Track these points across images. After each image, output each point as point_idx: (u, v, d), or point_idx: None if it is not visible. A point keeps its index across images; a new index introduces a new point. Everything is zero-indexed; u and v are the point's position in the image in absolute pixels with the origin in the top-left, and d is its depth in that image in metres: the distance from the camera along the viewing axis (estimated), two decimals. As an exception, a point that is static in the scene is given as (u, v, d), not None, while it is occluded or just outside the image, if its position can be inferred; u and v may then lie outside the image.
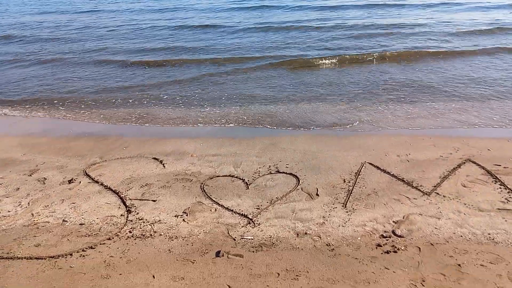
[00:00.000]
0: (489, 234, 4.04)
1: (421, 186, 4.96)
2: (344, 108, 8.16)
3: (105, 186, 5.33)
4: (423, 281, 3.45)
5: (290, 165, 5.66)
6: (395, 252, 3.83)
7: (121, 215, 4.65)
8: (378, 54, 11.75)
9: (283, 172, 5.48)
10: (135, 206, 4.81)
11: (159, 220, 4.51)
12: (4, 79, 11.21)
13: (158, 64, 12.10)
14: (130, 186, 5.29)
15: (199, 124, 7.67)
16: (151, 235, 4.26)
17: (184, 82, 10.27)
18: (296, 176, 5.35)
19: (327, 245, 3.99)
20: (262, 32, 15.89)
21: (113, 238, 4.23)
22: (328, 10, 20.67)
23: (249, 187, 5.15)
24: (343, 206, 4.63)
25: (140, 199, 4.97)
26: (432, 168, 5.39)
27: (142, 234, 4.28)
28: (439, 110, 7.86)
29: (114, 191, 5.18)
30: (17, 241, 4.24)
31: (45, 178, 5.60)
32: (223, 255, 3.89)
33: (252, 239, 4.13)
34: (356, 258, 3.77)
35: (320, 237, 4.10)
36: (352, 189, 4.95)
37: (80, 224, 4.51)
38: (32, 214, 4.74)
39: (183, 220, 4.51)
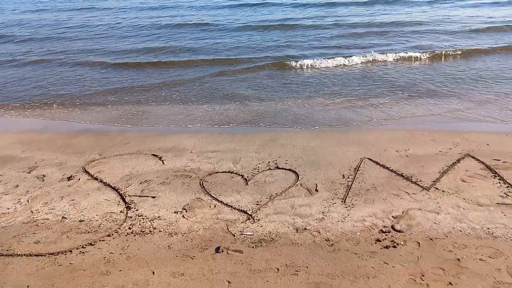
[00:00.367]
0: (488, 228, 4.04)
1: (420, 181, 4.96)
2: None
3: (105, 182, 5.33)
4: (423, 275, 3.46)
5: (289, 161, 5.66)
6: (394, 247, 3.84)
7: (121, 212, 4.65)
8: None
9: (282, 168, 5.48)
10: (134, 203, 4.81)
11: (159, 217, 4.52)
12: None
13: (142, 65, 11.85)
14: (130, 183, 5.29)
15: (198, 121, 7.66)
16: (150, 231, 4.27)
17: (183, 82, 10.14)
18: (295, 172, 5.35)
19: (326, 240, 3.99)
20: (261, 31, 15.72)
21: (112, 234, 4.23)
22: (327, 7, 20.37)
23: (249, 183, 5.15)
24: (342, 201, 4.63)
25: (139, 196, 4.97)
26: (431, 163, 5.39)
27: (141, 231, 4.28)
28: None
29: (114, 188, 5.18)
30: (17, 238, 4.24)
31: (44, 175, 5.60)
32: (222, 251, 3.89)
33: (251, 234, 4.13)
34: (355, 253, 3.78)
35: (320, 233, 4.11)
36: (351, 185, 4.95)
37: (79, 221, 4.51)
38: (31, 211, 4.74)
39: (183, 216, 4.52)
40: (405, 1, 20.58)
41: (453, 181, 4.92)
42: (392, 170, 5.27)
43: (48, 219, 4.57)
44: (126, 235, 4.21)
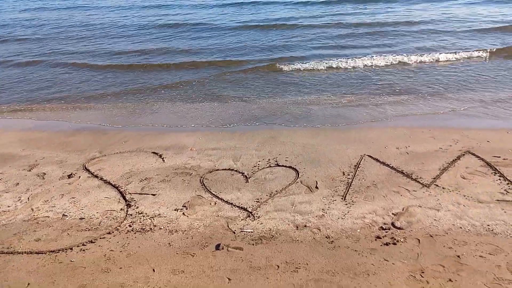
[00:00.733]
0: (488, 225, 4.04)
1: (420, 178, 4.96)
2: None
3: (105, 180, 5.33)
4: (423, 272, 3.47)
5: (289, 158, 5.66)
6: (394, 244, 3.84)
7: (121, 209, 4.66)
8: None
9: (283, 166, 5.48)
10: (134, 200, 4.81)
11: (159, 214, 4.52)
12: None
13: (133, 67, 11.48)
14: (130, 181, 5.29)
15: (198, 120, 7.66)
16: (151, 229, 4.27)
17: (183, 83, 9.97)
18: (295, 169, 5.35)
19: (326, 237, 3.99)
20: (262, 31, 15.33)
21: (113, 232, 4.24)
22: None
23: (249, 180, 5.16)
24: (342, 198, 4.63)
25: (139, 193, 4.97)
26: (431, 160, 5.39)
27: (142, 228, 4.28)
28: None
29: (114, 186, 5.19)
30: (17, 236, 4.25)
31: (44, 173, 5.60)
32: (223, 248, 3.90)
33: (251, 232, 4.14)
34: (355, 250, 3.78)
35: (320, 230, 4.11)
36: (352, 182, 4.95)
37: (80, 219, 4.51)
38: (32, 209, 4.75)
39: (183, 213, 4.52)
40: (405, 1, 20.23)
41: (453, 178, 4.92)
42: (392, 167, 5.27)
43: (48, 216, 4.58)
44: (126, 233, 4.22)
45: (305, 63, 10.75)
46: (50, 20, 19.63)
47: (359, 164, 5.39)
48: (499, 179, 4.84)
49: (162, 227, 4.29)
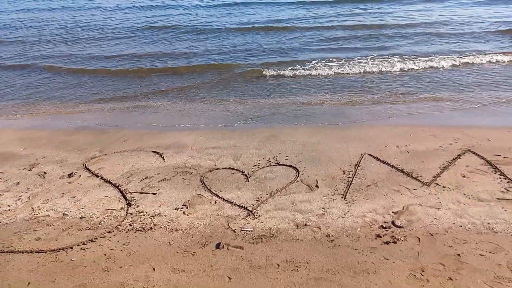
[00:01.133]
0: (488, 224, 4.04)
1: (420, 176, 4.96)
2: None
3: (105, 179, 5.33)
4: (423, 271, 3.46)
5: (289, 157, 5.66)
6: (394, 242, 3.84)
7: (121, 208, 4.66)
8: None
9: (283, 164, 5.48)
10: (135, 199, 4.82)
11: (159, 213, 4.52)
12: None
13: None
14: (130, 180, 5.29)
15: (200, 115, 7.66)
16: (151, 228, 4.27)
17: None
18: (295, 168, 5.35)
19: (326, 236, 3.99)
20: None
21: (113, 231, 4.24)
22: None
23: (249, 179, 5.16)
24: (342, 197, 4.63)
25: (140, 192, 4.97)
26: (432, 158, 5.38)
27: (142, 227, 4.29)
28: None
29: (114, 185, 5.19)
30: (18, 235, 4.25)
31: (45, 172, 5.61)
32: (223, 247, 3.90)
33: (252, 230, 4.14)
34: (355, 249, 3.78)
35: (320, 228, 4.11)
36: (352, 181, 4.95)
37: (80, 218, 4.52)
38: (32, 208, 4.75)
39: (183, 212, 4.52)
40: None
41: (454, 177, 4.91)
42: (392, 165, 5.26)
43: (49, 216, 4.58)
44: (126, 232, 4.22)
45: (307, 67, 10.59)
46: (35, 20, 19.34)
47: (360, 162, 5.39)
48: (500, 178, 4.84)
49: (163, 226, 4.29)
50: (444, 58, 10.51)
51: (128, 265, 3.73)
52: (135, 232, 4.21)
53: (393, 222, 4.14)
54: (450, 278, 3.37)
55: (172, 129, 7.08)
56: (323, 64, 10.59)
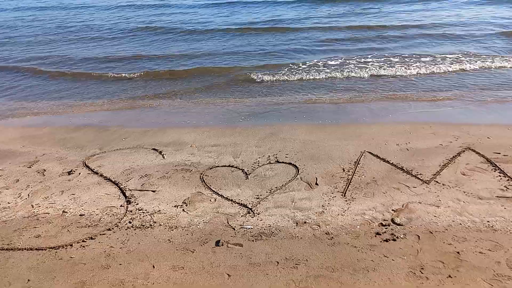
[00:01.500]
0: (488, 221, 4.04)
1: (420, 174, 4.96)
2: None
3: (105, 177, 5.33)
4: (422, 268, 3.47)
5: (289, 155, 5.66)
6: (394, 240, 3.84)
7: (121, 206, 4.66)
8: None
9: (283, 162, 5.48)
10: (134, 197, 4.82)
11: (159, 211, 4.52)
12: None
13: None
14: (130, 177, 5.29)
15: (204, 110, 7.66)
16: (151, 225, 4.27)
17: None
18: (295, 166, 5.35)
19: (326, 233, 3.99)
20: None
21: (113, 228, 4.24)
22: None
23: (249, 177, 5.15)
24: (342, 195, 4.63)
25: (139, 190, 4.97)
26: (431, 156, 5.38)
27: (142, 225, 4.29)
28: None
29: (114, 182, 5.19)
30: (17, 232, 4.25)
31: (44, 170, 5.60)
32: (222, 244, 3.90)
33: (251, 228, 4.14)
34: (355, 247, 3.78)
35: (319, 226, 4.11)
36: (351, 178, 4.95)
37: (80, 215, 4.52)
38: (32, 205, 4.75)
39: (183, 210, 4.52)
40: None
41: (453, 175, 4.91)
42: (392, 163, 5.26)
43: (48, 213, 4.58)
44: (126, 229, 4.22)
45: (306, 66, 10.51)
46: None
47: (359, 160, 5.39)
48: (499, 176, 4.83)
49: (162, 224, 4.29)
50: (446, 57, 10.47)
51: (128, 262, 3.74)
52: (134, 230, 4.21)
53: (392, 220, 4.14)
54: (450, 276, 3.37)
55: (172, 127, 7.08)
56: (323, 64, 10.55)
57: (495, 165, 5.06)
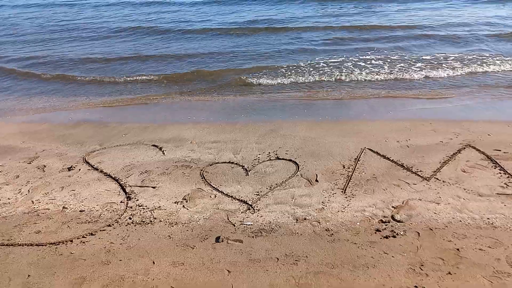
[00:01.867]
0: (488, 218, 4.04)
1: (420, 171, 4.96)
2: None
3: (105, 173, 5.33)
4: (422, 265, 3.47)
5: (289, 152, 5.65)
6: (394, 237, 3.84)
7: (121, 202, 4.66)
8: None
9: (283, 159, 5.48)
10: (135, 193, 4.82)
11: (159, 207, 4.52)
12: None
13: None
14: (130, 173, 5.29)
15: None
16: (151, 221, 4.28)
17: None
18: (295, 163, 5.34)
19: (326, 230, 4.00)
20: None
21: (113, 224, 4.25)
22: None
23: (249, 173, 5.15)
24: (342, 191, 4.63)
25: (140, 186, 4.97)
26: (432, 153, 5.38)
27: (142, 221, 4.29)
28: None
29: (114, 178, 5.19)
30: (18, 228, 4.26)
31: (44, 166, 5.60)
32: (222, 241, 3.90)
33: (251, 224, 4.14)
34: (355, 243, 3.79)
35: (319, 223, 4.11)
36: (352, 175, 4.95)
37: (80, 211, 4.52)
38: (32, 201, 4.75)
39: (183, 206, 4.52)
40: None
41: (454, 172, 4.91)
42: (392, 160, 5.26)
43: (48, 209, 4.58)
44: (126, 225, 4.23)
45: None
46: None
47: (359, 157, 5.38)
48: (500, 173, 4.83)
49: (162, 220, 4.29)
50: (447, 57, 10.45)
51: (128, 258, 3.74)
52: (134, 226, 4.21)
53: (392, 217, 4.14)
54: (449, 273, 3.37)
55: (172, 123, 7.07)
56: (324, 62, 10.51)
57: (496, 162, 5.06)
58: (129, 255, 3.77)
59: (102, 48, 12.94)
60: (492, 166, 4.98)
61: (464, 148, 5.47)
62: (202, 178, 5.09)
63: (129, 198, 4.72)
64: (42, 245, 3.96)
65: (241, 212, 4.36)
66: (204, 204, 4.55)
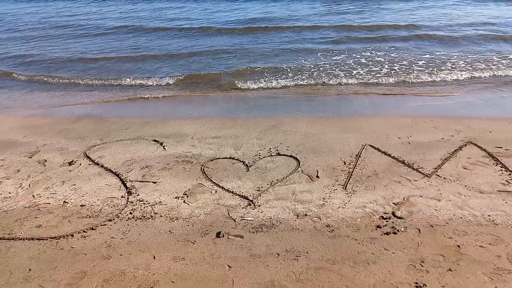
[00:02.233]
0: (489, 215, 4.04)
1: (421, 168, 4.95)
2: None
3: (106, 168, 5.33)
4: (423, 262, 3.47)
5: (290, 148, 5.65)
6: (394, 233, 3.84)
7: (122, 197, 4.66)
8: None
9: (284, 155, 5.47)
10: (135, 188, 4.82)
11: (160, 202, 4.52)
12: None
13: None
14: (131, 168, 5.29)
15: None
16: (151, 216, 4.28)
17: None
18: (296, 158, 5.34)
19: (327, 226, 4.00)
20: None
21: (114, 219, 4.25)
22: None
23: (250, 169, 5.15)
24: (343, 187, 4.63)
25: (140, 181, 4.97)
26: (433, 150, 5.37)
27: (142, 216, 4.29)
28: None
29: (115, 173, 5.18)
30: (19, 222, 4.26)
31: (45, 160, 5.60)
32: (223, 236, 3.91)
33: (252, 220, 4.14)
34: (355, 239, 3.79)
35: (320, 219, 4.11)
36: (353, 171, 4.94)
37: (80, 206, 4.52)
38: (33, 195, 4.76)
39: (184, 201, 4.52)
40: None
41: (455, 168, 4.90)
42: (393, 157, 5.25)
43: (49, 203, 4.59)
44: (127, 220, 4.23)
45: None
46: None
47: (361, 153, 5.38)
48: (501, 170, 4.83)
49: (163, 215, 4.29)
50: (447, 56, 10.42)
51: (129, 253, 3.74)
52: (135, 221, 4.21)
53: (393, 213, 4.14)
54: (450, 269, 3.37)
55: (173, 118, 7.06)
56: (325, 60, 10.49)
57: (497, 159, 5.05)
58: (130, 250, 3.78)
59: (91, 46, 12.76)
60: (493, 163, 4.98)
61: (465, 145, 5.46)
62: (203, 173, 5.09)
63: (129, 193, 4.72)
64: (43, 239, 3.96)
65: (242, 208, 4.36)
66: (204, 200, 4.55)
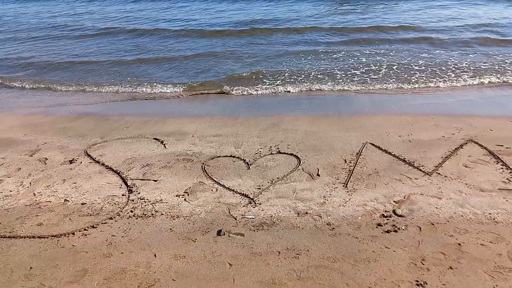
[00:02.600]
0: (489, 214, 4.04)
1: (422, 166, 4.95)
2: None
3: (106, 166, 5.33)
4: (423, 260, 3.47)
5: (291, 146, 5.65)
6: (395, 231, 3.84)
7: (123, 195, 4.66)
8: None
9: (284, 153, 5.47)
10: (136, 186, 4.82)
11: (161, 200, 4.53)
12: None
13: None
14: (131, 166, 5.29)
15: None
16: (152, 214, 4.28)
17: None
18: (297, 157, 5.34)
19: (327, 224, 4.00)
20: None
21: (114, 217, 4.25)
22: None
23: (250, 167, 5.15)
24: (344, 186, 4.63)
25: (141, 179, 4.97)
26: (434, 148, 5.37)
27: (143, 214, 4.29)
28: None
29: (115, 171, 5.19)
30: (20, 220, 4.26)
31: (46, 158, 5.60)
32: (224, 234, 3.91)
33: (253, 218, 4.14)
34: (356, 237, 3.79)
35: (321, 217, 4.11)
36: (353, 169, 4.94)
37: (81, 204, 4.52)
38: (34, 193, 4.76)
39: (185, 199, 4.53)
40: None
41: (456, 166, 4.90)
42: (394, 155, 5.25)
43: (50, 201, 4.59)
44: (128, 218, 4.23)
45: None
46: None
47: (361, 151, 5.37)
48: (502, 168, 4.82)
49: (164, 213, 4.29)
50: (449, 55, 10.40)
51: (129, 251, 3.75)
52: (136, 219, 4.22)
53: (394, 211, 4.14)
54: (451, 267, 3.37)
55: (173, 116, 7.06)
56: (326, 58, 10.48)
57: (498, 157, 5.04)
58: (131, 248, 3.78)
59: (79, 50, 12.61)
60: (494, 161, 4.97)
61: (466, 143, 5.46)
62: (203, 171, 5.09)
63: (130, 191, 4.72)
64: (44, 238, 3.97)
65: (243, 206, 4.36)
66: (205, 198, 4.55)
